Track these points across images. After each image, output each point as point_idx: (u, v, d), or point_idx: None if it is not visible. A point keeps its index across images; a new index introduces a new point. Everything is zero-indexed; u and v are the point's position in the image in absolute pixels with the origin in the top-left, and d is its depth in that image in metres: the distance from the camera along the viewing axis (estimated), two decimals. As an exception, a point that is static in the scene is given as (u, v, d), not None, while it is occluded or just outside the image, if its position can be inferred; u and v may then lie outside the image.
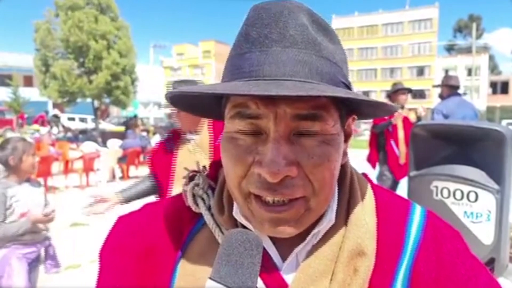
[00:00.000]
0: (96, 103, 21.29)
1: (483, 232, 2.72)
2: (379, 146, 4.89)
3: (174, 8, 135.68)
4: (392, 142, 4.76)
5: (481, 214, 2.73)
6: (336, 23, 53.85)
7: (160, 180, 2.41)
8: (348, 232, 0.55)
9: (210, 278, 0.40)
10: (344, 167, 0.59)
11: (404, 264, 0.54)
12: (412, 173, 3.15)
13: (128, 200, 2.37)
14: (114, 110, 40.34)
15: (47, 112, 19.73)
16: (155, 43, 41.08)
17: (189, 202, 0.60)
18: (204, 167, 0.65)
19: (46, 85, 19.98)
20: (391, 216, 0.59)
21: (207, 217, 0.58)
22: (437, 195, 2.91)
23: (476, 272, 0.56)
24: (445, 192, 2.86)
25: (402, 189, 4.25)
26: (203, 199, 0.61)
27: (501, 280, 2.81)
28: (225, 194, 0.58)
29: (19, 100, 30.44)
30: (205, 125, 2.36)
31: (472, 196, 2.76)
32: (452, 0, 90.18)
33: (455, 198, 2.82)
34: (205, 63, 55.70)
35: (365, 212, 0.57)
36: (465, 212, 2.78)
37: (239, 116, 0.49)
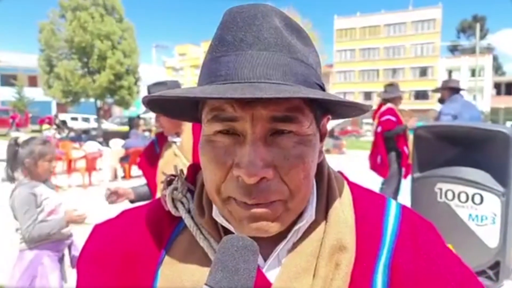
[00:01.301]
0: (99, 103, 21.35)
1: (488, 235, 2.71)
2: (388, 149, 4.84)
3: (176, 8, 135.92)
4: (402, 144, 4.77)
5: (486, 217, 2.71)
6: (338, 23, 53.82)
7: (148, 182, 2.46)
8: (328, 227, 0.56)
9: (206, 284, 0.40)
10: (320, 165, 0.61)
11: (383, 256, 0.56)
12: (416, 175, 3.13)
13: (138, 197, 2.42)
14: (116, 110, 40.42)
15: (56, 116, 19.80)
16: (157, 43, 41.13)
17: (169, 206, 0.60)
18: (182, 170, 0.65)
19: (50, 85, 20.06)
20: (368, 210, 0.61)
21: (187, 220, 0.59)
22: (441, 197, 2.89)
23: (452, 262, 0.58)
24: (450, 195, 2.85)
25: (405, 191, 4.24)
26: (182, 203, 0.61)
27: (507, 283, 2.78)
28: (205, 197, 0.59)
29: (23, 100, 30.62)
30: (187, 128, 2.36)
31: (477, 199, 2.74)
32: (455, 0, 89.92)
33: (459, 201, 2.81)
34: (207, 64, 55.73)
35: (344, 208, 0.59)
36: (470, 215, 2.76)
37: (216, 119, 0.50)
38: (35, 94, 30.04)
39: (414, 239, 0.58)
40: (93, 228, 0.66)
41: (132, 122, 13.26)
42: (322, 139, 0.59)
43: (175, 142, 2.38)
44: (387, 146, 4.82)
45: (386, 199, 0.64)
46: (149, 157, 2.50)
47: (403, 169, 4.79)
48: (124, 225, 0.63)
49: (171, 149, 2.36)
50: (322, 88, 0.55)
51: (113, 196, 2.33)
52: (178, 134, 2.37)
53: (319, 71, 0.56)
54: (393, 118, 4.74)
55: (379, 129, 4.86)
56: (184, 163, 2.24)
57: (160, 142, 2.48)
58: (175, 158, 2.30)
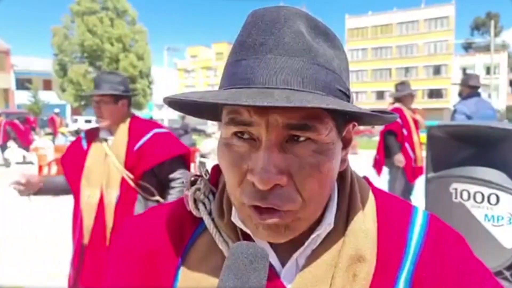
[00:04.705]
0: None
1: (504, 235, 2.66)
2: (390, 150, 4.77)
3: (187, 10, 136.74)
4: (407, 145, 4.69)
5: (502, 217, 2.66)
6: (350, 23, 53.49)
7: (69, 180, 2.24)
8: (347, 237, 0.55)
9: None
10: (344, 172, 0.59)
11: (405, 269, 0.54)
12: (430, 175, 3.09)
13: (46, 188, 2.17)
14: (129, 112, 40.84)
15: (57, 114, 19.17)
16: (168, 46, 41.47)
17: (190, 206, 0.60)
18: (206, 171, 0.65)
19: (64, 88, 20.42)
20: (393, 220, 0.59)
21: (207, 222, 0.59)
22: (456, 197, 2.85)
23: (482, 278, 0.55)
24: (465, 195, 2.81)
25: (418, 191, 4.19)
26: (204, 204, 0.61)
27: (524, 285, 2.73)
28: (225, 199, 0.59)
29: (38, 103, 31.18)
30: (123, 128, 2.18)
31: (493, 199, 2.70)
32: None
33: (475, 201, 2.76)
34: (218, 65, 56.00)
35: (365, 217, 0.57)
36: (486, 215, 2.72)
37: (233, 122, 0.49)
38: (50, 97, 30.57)
39: (440, 252, 0.56)
40: (124, 221, 0.68)
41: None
42: (346, 146, 0.57)
43: (106, 140, 2.18)
44: (396, 146, 4.75)
45: (413, 208, 0.62)
46: (75, 153, 2.27)
47: (406, 173, 4.71)
48: (150, 222, 0.64)
49: (101, 147, 2.16)
50: (346, 95, 0.53)
51: (19, 185, 2.06)
52: (111, 132, 2.19)
53: (345, 76, 0.54)
54: (398, 119, 4.65)
55: (382, 127, 4.82)
56: (114, 164, 2.11)
57: (89, 138, 2.27)
58: (106, 158, 2.13)
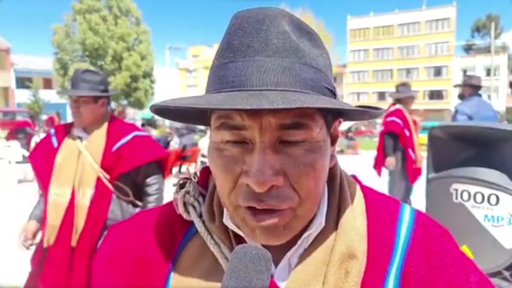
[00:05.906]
0: (113, 104, 21.64)
1: (504, 236, 2.66)
2: (395, 151, 4.78)
3: (189, 10, 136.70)
4: (409, 146, 4.70)
5: (502, 217, 2.67)
6: (352, 23, 53.46)
7: (40, 179, 2.18)
8: (338, 235, 0.55)
9: None
10: (333, 169, 0.60)
11: (395, 264, 0.55)
12: (431, 176, 3.10)
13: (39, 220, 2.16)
14: (130, 112, 40.87)
15: (58, 113, 18.61)
16: (170, 45, 41.47)
17: (180, 210, 0.60)
18: (195, 173, 0.64)
19: (64, 87, 20.42)
20: (381, 216, 0.59)
21: (198, 225, 0.58)
22: (456, 198, 2.86)
23: (466, 270, 0.57)
24: (465, 195, 2.81)
25: (418, 192, 4.19)
26: (194, 207, 0.60)
27: (523, 286, 2.73)
28: (216, 201, 0.58)
29: (39, 102, 31.13)
30: (102, 128, 2.12)
31: (493, 199, 2.70)
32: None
33: (475, 201, 2.77)
34: (220, 65, 55.94)
35: (355, 214, 0.58)
36: (486, 216, 2.72)
37: (224, 127, 0.49)
38: (50, 96, 30.55)
39: (427, 247, 0.57)
40: (109, 228, 0.67)
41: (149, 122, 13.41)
42: (333, 142, 0.57)
43: (80, 138, 2.11)
44: (392, 148, 4.74)
45: (400, 205, 0.63)
46: (44, 151, 2.18)
47: (408, 174, 4.71)
48: (138, 227, 0.63)
49: (74, 144, 2.08)
50: (333, 92, 0.54)
51: (29, 241, 2.15)
52: (86, 130, 2.12)
53: (330, 74, 0.54)
54: (399, 121, 4.63)
55: (382, 128, 4.82)
56: (89, 163, 2.03)
57: (59, 136, 2.18)
58: (79, 156, 2.05)
